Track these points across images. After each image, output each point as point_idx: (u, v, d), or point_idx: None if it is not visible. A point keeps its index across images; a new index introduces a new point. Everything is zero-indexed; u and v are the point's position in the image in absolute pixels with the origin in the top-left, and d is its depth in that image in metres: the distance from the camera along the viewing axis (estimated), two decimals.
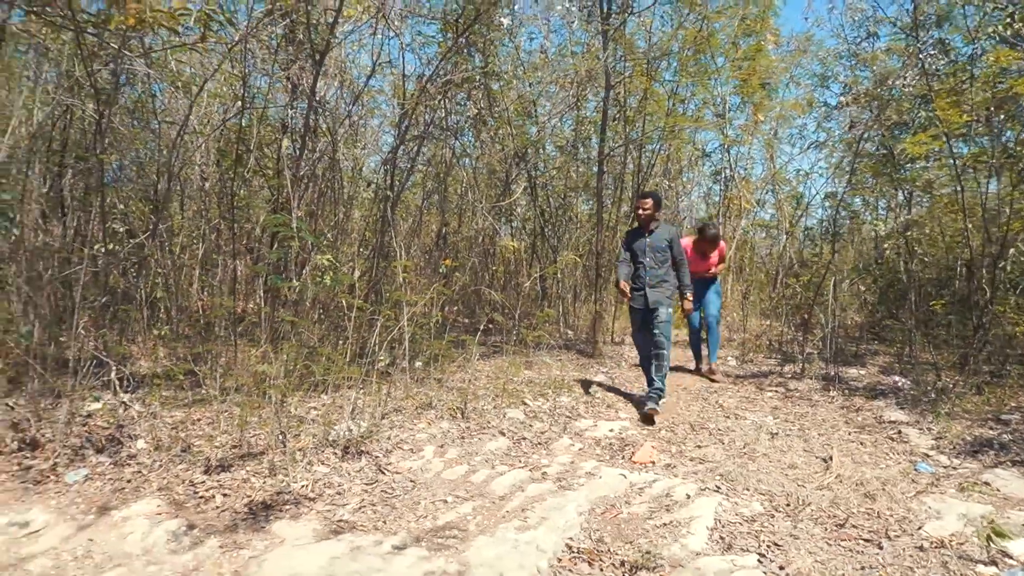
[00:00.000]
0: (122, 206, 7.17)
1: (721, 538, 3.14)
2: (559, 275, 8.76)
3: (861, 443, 4.65)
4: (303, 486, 3.52)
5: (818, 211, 13.39)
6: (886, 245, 9.45)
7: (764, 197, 13.58)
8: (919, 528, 3.27)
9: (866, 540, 3.15)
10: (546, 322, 7.31)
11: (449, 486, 3.65)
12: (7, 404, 4.05)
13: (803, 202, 12.72)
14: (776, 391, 6.15)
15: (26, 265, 5.89)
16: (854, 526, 3.30)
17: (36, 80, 6.64)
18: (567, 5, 6.65)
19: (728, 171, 12.53)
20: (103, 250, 6.12)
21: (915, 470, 4.14)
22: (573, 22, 7.19)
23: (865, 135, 7.69)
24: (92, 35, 4.36)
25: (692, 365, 7.08)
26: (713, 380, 6.60)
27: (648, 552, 2.92)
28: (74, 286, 5.77)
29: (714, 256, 6.71)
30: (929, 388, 5.85)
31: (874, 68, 10.19)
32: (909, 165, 8.44)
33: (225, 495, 3.41)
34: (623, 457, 4.24)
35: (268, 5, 4.95)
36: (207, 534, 3.03)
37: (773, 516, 3.39)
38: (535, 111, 8.12)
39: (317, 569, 2.67)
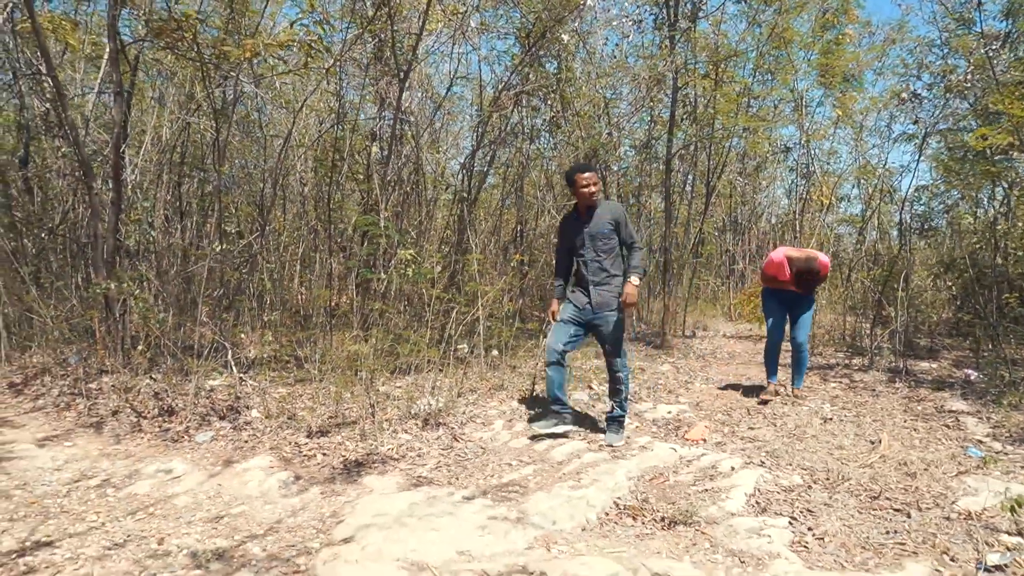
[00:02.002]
0: (233, 210, 8.06)
1: (757, 503, 3.47)
2: None
3: (915, 429, 4.80)
4: (389, 449, 4.08)
5: (914, 205, 12.99)
6: (974, 239, 9.24)
7: (849, 192, 13.37)
8: (953, 503, 3.48)
9: (897, 510, 3.40)
10: None
11: (514, 453, 4.13)
12: (151, 377, 4.83)
13: (894, 195, 12.43)
14: (840, 382, 6.29)
15: (155, 262, 6.80)
16: (888, 498, 3.54)
17: (162, 101, 7.59)
18: (626, 23, 6.97)
19: (808, 166, 12.45)
20: (219, 249, 6.94)
21: (965, 454, 4.28)
22: (628, 34, 7.51)
23: (933, 128, 7.61)
24: (214, 65, 5.10)
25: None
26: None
27: (687, 511, 3.29)
28: (194, 280, 6.62)
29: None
30: (999, 381, 5.86)
31: (968, 57, 9.93)
32: (1000, 158, 8.25)
33: (324, 454, 4.02)
34: (677, 435, 4.59)
35: (358, 30, 5.56)
36: (310, 483, 3.64)
37: (811, 488, 3.68)
38: (607, 113, 8.49)
39: (399, 511, 3.20)
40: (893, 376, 6.34)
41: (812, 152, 12.08)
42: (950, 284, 9.73)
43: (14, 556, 2.72)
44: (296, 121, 6.87)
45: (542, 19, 5.94)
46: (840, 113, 11.31)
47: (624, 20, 7.02)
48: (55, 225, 6.60)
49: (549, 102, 8.24)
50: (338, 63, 5.69)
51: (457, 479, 3.70)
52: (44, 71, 5.67)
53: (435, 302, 5.49)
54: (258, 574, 2.66)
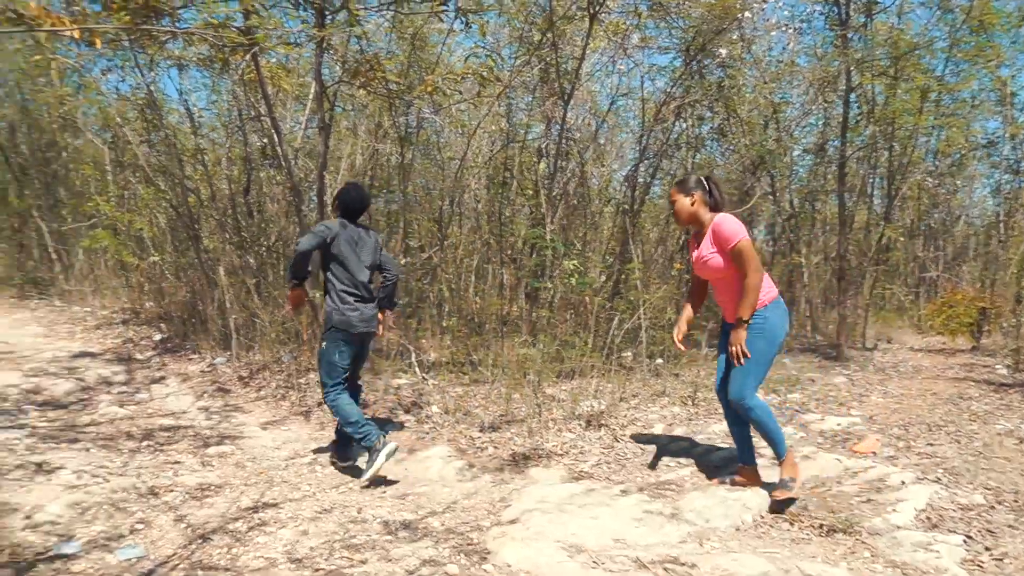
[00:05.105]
0: (415, 226, 8.87)
1: (928, 518, 3.34)
2: (804, 279, 8.76)
3: None
4: (553, 446, 4.39)
5: None
6: None
7: None
8: None
9: None
10: None
11: (673, 454, 4.26)
12: None
13: None
14: None
15: None
16: None
17: (355, 131, 8.56)
18: (788, 31, 6.79)
19: (1018, 162, 11.18)
20: (403, 261, 7.70)
21: None
22: (791, 40, 7.29)
23: None
24: (401, 99, 5.76)
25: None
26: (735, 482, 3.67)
27: (847, 520, 3.26)
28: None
29: (713, 254, 3.47)
30: None
31: None
32: None
33: (495, 447, 4.42)
34: (844, 447, 4.47)
35: (526, 55, 6.00)
36: (482, 471, 4.05)
37: (994, 508, 3.46)
38: (776, 118, 8.29)
39: (560, 499, 3.49)
40: None
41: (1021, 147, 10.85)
42: None
43: (250, 511, 3.36)
44: (470, 143, 7.47)
45: (701, 32, 6.02)
46: None
47: (787, 26, 6.86)
48: (271, 243, 7.68)
49: (715, 110, 8.21)
50: (508, 88, 6.16)
51: (616, 476, 3.93)
52: (264, 112, 6.69)
53: (598, 310, 5.74)
54: (437, 543, 3.06)
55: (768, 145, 7.49)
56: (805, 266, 8.63)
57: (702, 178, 3.63)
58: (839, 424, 4.97)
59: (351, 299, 4.01)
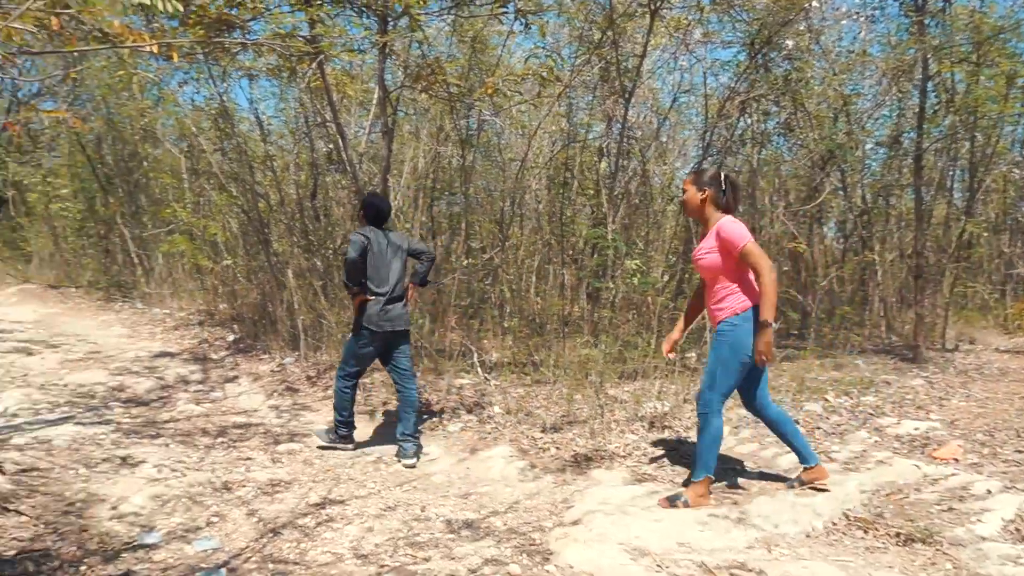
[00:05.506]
0: (477, 227, 8.93)
1: (1017, 530, 3.15)
2: (879, 277, 8.41)
3: None
4: (616, 447, 4.36)
5: None
6: None
7: None
8: None
9: None
10: (851, 322, 7.19)
11: (739, 458, 4.17)
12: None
13: None
14: None
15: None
16: None
17: (417, 134, 8.68)
18: (861, 16, 6.52)
19: None
20: (465, 263, 7.77)
21: None
22: (862, 30, 7.00)
23: None
24: (462, 102, 5.82)
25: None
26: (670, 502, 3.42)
27: (927, 529, 3.11)
28: (445, 291, 7.48)
29: (708, 253, 3.44)
30: None
31: None
32: None
33: (557, 448, 4.41)
34: (923, 452, 4.27)
35: (586, 54, 5.97)
36: (544, 472, 4.05)
37: None
38: (847, 111, 8.00)
39: (622, 501, 3.46)
40: None
41: None
42: None
43: (318, 507, 3.46)
44: (531, 143, 7.48)
45: (766, 24, 5.86)
46: None
47: (858, 15, 6.58)
48: (337, 246, 7.87)
49: (782, 104, 7.98)
50: (568, 88, 6.14)
51: (680, 478, 3.86)
52: (330, 119, 6.87)
53: (661, 310, 5.66)
54: (499, 543, 3.07)
55: (838, 139, 7.22)
56: (879, 264, 8.28)
57: (721, 175, 3.53)
58: (917, 428, 4.76)
59: (381, 299, 4.39)
